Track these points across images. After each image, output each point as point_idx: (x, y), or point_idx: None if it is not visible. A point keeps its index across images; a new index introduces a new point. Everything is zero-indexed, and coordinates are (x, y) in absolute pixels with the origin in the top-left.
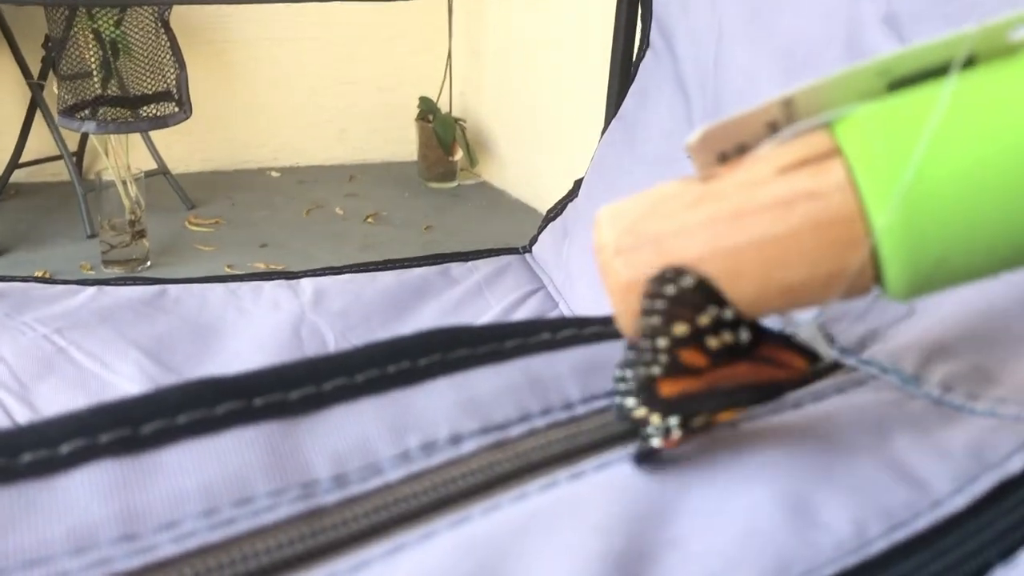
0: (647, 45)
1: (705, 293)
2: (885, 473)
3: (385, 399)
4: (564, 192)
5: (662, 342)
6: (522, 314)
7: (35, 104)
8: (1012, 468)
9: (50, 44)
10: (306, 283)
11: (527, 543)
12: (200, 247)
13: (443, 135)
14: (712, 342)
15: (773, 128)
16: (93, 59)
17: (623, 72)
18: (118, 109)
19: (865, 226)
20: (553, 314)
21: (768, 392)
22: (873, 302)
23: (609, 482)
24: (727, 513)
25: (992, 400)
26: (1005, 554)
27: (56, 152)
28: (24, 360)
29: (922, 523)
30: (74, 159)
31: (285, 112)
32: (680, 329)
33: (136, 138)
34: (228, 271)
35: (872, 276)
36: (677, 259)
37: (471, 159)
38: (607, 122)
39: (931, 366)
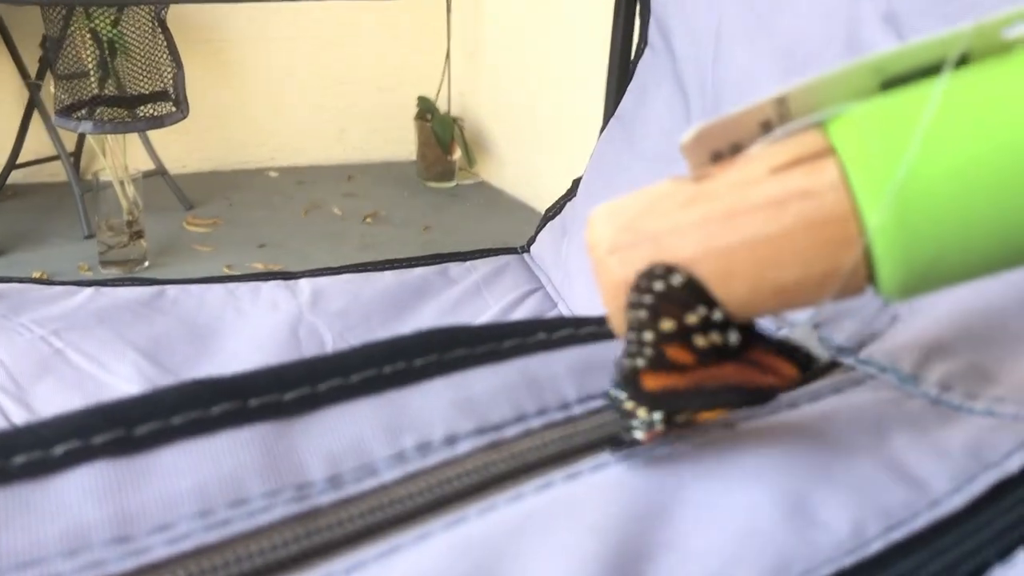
0: (645, 44)
1: (694, 293)
2: (883, 473)
3: (381, 400)
4: (563, 191)
5: (648, 336)
6: (521, 314)
7: (32, 104)
8: (1010, 467)
9: (47, 44)
10: (304, 283)
11: (523, 544)
12: (198, 247)
13: (441, 135)
14: (699, 341)
15: (767, 127)
16: (90, 59)
17: (622, 71)
18: (115, 109)
19: (858, 225)
20: (552, 314)
21: (754, 396)
22: (871, 302)
23: (605, 482)
24: (725, 512)
25: (990, 399)
26: (1003, 554)
27: (53, 152)
28: (21, 361)
29: (920, 523)
30: (72, 159)
31: (283, 112)
32: (667, 325)
33: (134, 138)
34: (226, 271)
35: (866, 276)
36: (670, 258)
37: (469, 159)
38: (605, 121)
39: (929, 365)
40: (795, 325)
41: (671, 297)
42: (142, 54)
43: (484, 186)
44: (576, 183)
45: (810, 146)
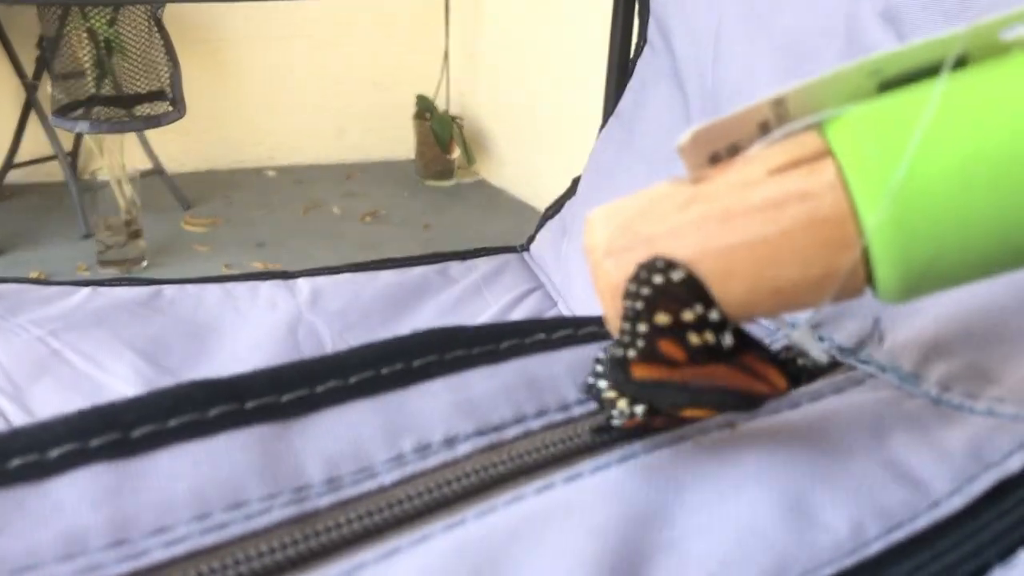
0: (644, 42)
1: (693, 290)
2: (883, 473)
3: (379, 401)
4: (562, 190)
5: (642, 327)
6: (520, 313)
7: (29, 104)
8: (1011, 468)
9: (44, 44)
10: (303, 283)
11: (522, 546)
12: (197, 247)
13: (440, 133)
14: (693, 339)
15: (765, 128)
16: (87, 58)
17: (621, 69)
18: (112, 109)
19: (857, 227)
20: (551, 313)
21: (743, 401)
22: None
23: (605, 484)
24: (724, 514)
25: (990, 399)
26: (1004, 555)
27: (51, 152)
28: (18, 362)
29: (920, 524)
30: (69, 159)
31: (281, 111)
32: (662, 319)
33: (131, 137)
34: (225, 271)
35: (864, 277)
36: None
37: (468, 157)
38: (605, 119)
39: (929, 365)
40: (794, 326)
41: (669, 292)
42: (139, 54)
43: (483, 185)
44: (576, 182)
45: (808, 147)
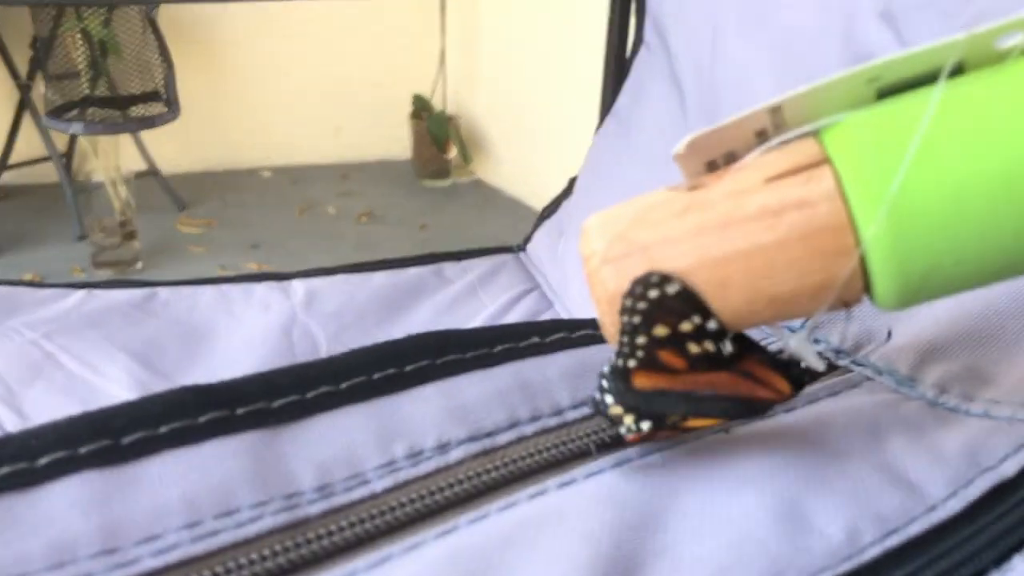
0: (641, 41)
1: (689, 302)
2: (879, 477)
3: (371, 406)
4: (560, 189)
5: (641, 339)
6: (516, 314)
7: (23, 105)
8: (1006, 471)
9: (38, 44)
10: (297, 284)
11: (515, 553)
12: (192, 248)
13: (437, 133)
14: (692, 348)
15: (762, 136)
16: (81, 59)
17: (617, 68)
18: (106, 110)
19: (854, 235)
20: (547, 314)
21: (745, 407)
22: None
23: (599, 490)
24: (718, 520)
25: (986, 402)
26: (999, 560)
27: (45, 153)
28: (12, 365)
29: (916, 528)
30: (63, 160)
31: (277, 111)
32: (660, 331)
33: (126, 138)
34: (221, 272)
35: (861, 286)
36: (664, 268)
37: (465, 156)
38: (601, 119)
39: (926, 367)
40: (791, 333)
41: (665, 305)
42: (133, 54)
43: (480, 184)
44: (572, 182)
45: (805, 155)
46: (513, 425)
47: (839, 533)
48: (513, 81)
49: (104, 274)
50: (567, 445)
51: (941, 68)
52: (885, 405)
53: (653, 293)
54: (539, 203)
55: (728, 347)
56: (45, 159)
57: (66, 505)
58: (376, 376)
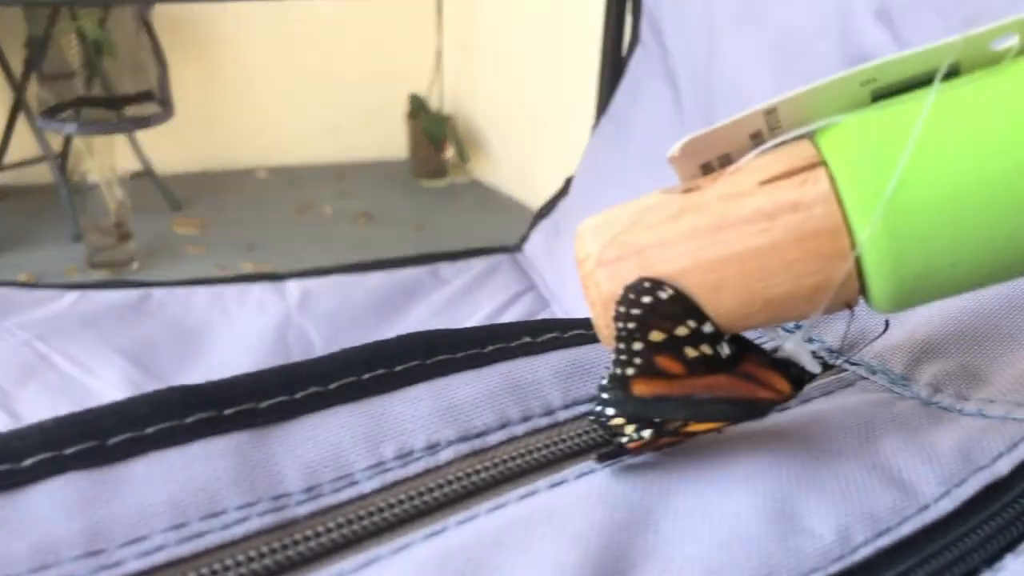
0: (637, 40)
1: (683, 306)
2: (872, 477)
3: (360, 407)
4: (557, 189)
5: (637, 346)
6: (513, 314)
7: (18, 106)
8: (1000, 470)
9: (32, 44)
10: (292, 285)
11: (503, 554)
12: (187, 249)
13: (434, 132)
14: (690, 352)
15: (757, 138)
16: (76, 59)
17: (613, 68)
18: (100, 110)
19: (850, 238)
20: (544, 314)
21: (746, 410)
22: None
23: (589, 490)
24: (709, 520)
25: (980, 401)
26: (991, 560)
27: (40, 154)
28: (5, 366)
29: (908, 528)
30: (58, 161)
31: (273, 111)
32: (656, 336)
33: (121, 139)
34: (217, 273)
35: (857, 289)
36: (659, 271)
37: (462, 156)
38: (597, 118)
39: (920, 366)
40: (787, 335)
41: (659, 311)
42: (127, 54)
43: (478, 184)
44: (568, 182)
45: (800, 158)
46: (504, 425)
47: (830, 533)
48: (510, 80)
49: (99, 275)
50: (558, 445)
51: (936, 70)
52: (878, 404)
53: (646, 299)
54: (537, 203)
55: (726, 349)
56: (40, 160)
57: (51, 507)
58: (365, 376)
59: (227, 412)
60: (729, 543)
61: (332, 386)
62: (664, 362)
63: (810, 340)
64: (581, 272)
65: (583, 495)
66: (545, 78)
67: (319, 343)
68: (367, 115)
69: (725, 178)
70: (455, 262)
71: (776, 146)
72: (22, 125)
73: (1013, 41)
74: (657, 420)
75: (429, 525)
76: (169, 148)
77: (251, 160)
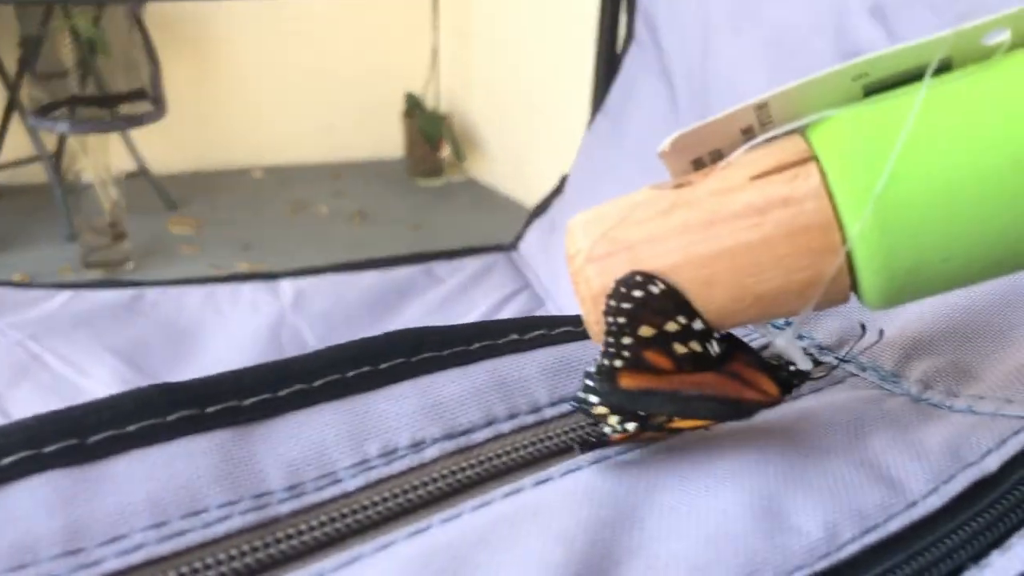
0: (632, 37)
1: (674, 302)
2: (860, 474)
3: (344, 405)
4: (552, 187)
5: (626, 340)
6: (507, 313)
7: (12, 105)
8: (988, 467)
9: (26, 43)
10: (286, 284)
11: (487, 552)
12: (183, 249)
13: (430, 131)
14: (679, 348)
15: (748, 133)
16: (70, 58)
17: (607, 65)
18: (92, 109)
19: (841, 233)
20: (539, 313)
21: (732, 409)
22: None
23: (575, 487)
24: (695, 517)
25: (970, 397)
26: (977, 557)
27: (34, 153)
28: None
29: (896, 525)
30: (53, 160)
31: (268, 110)
32: (646, 331)
33: (116, 138)
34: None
35: (848, 284)
36: (649, 267)
37: (459, 155)
38: (592, 116)
39: (911, 363)
40: (777, 332)
41: (650, 305)
42: (120, 53)
43: (474, 183)
44: (564, 179)
45: (791, 153)
46: (490, 423)
47: (817, 530)
48: (507, 79)
49: (94, 275)
50: (545, 443)
51: (928, 65)
52: (868, 401)
53: (637, 293)
54: (533, 202)
55: (715, 347)
56: (34, 160)
57: (30, 505)
58: (350, 374)
59: (210, 410)
60: (715, 540)
61: (316, 384)
62: (653, 357)
63: (800, 337)
64: (571, 268)
65: (569, 492)
66: (542, 76)
67: (313, 343)
68: (363, 114)
69: (716, 173)
70: (450, 261)
71: (767, 141)
72: (16, 125)
73: (1005, 36)
74: (642, 414)
75: (413, 523)
76: (164, 148)
77: (246, 159)
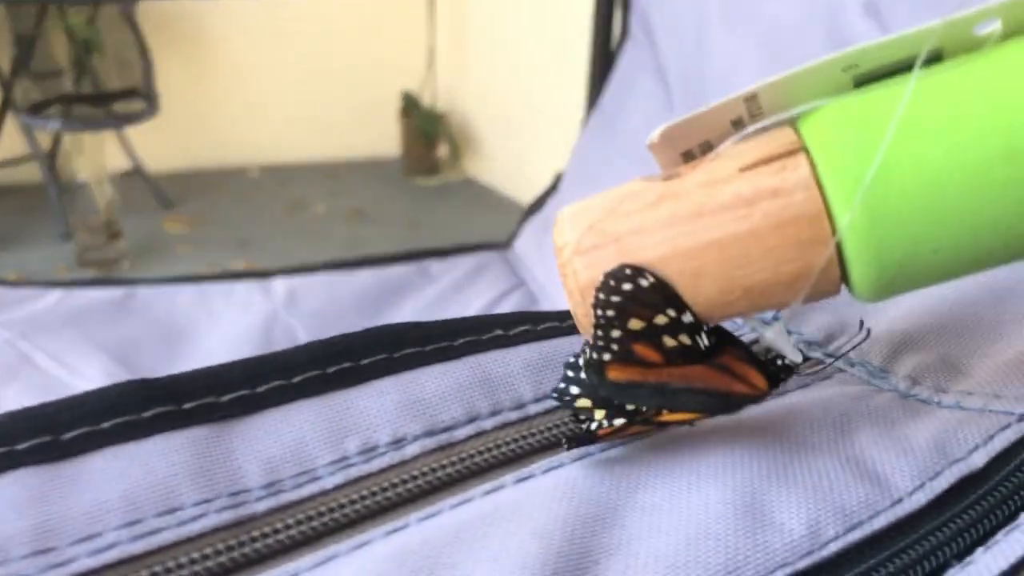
0: (627, 35)
1: (664, 295)
2: (845, 470)
3: (324, 401)
4: (547, 185)
5: (615, 333)
6: (501, 311)
7: (7, 103)
8: (975, 463)
9: (20, 42)
10: (279, 283)
11: (463, 551)
12: (178, 248)
13: (427, 130)
14: (668, 341)
15: (738, 125)
16: (65, 57)
17: (602, 62)
18: (83, 107)
19: (830, 224)
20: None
21: (720, 403)
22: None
23: (556, 484)
24: (677, 515)
25: (959, 393)
26: (961, 554)
27: (28, 152)
28: None
29: (881, 522)
30: (48, 159)
31: (264, 108)
32: (635, 324)
33: (111, 136)
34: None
35: (838, 276)
36: (638, 259)
37: (456, 154)
38: (587, 113)
39: (899, 359)
40: (765, 324)
41: (639, 299)
42: (113, 51)
43: (471, 182)
44: (559, 178)
45: (781, 144)
46: (472, 419)
47: (800, 528)
48: (504, 77)
49: (90, 274)
50: (528, 439)
51: (918, 55)
52: (856, 397)
53: (626, 287)
54: (531, 201)
55: (705, 340)
56: (29, 158)
57: (1, 504)
58: (331, 370)
59: (187, 406)
60: (696, 538)
61: (296, 380)
62: (642, 350)
63: (788, 333)
64: (559, 260)
65: (549, 490)
66: (540, 75)
67: (305, 341)
68: (359, 113)
69: (704, 165)
70: (444, 259)
71: (757, 132)
72: (11, 124)
73: (995, 26)
74: (629, 408)
75: (391, 521)
76: (159, 146)
77: (242, 158)
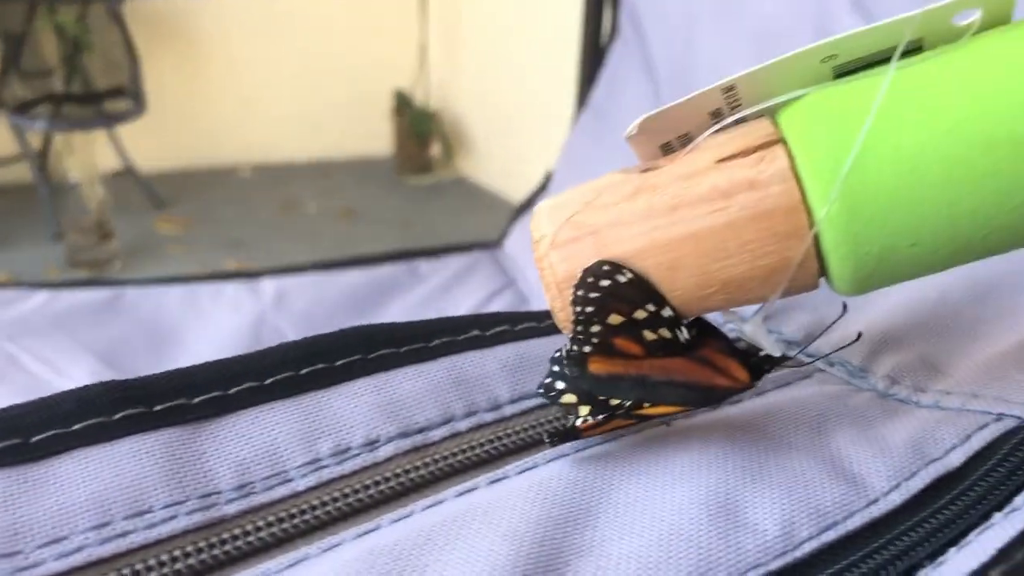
0: (616, 32)
1: (642, 290)
2: (821, 470)
3: (297, 403)
4: (537, 184)
5: (595, 328)
6: (490, 311)
7: None
8: (951, 462)
9: (8, 40)
10: (267, 283)
11: (433, 553)
12: (170, 248)
13: (419, 129)
14: (648, 335)
15: (717, 117)
16: (54, 55)
17: (592, 59)
18: (71, 106)
19: (808, 217)
20: (523, 310)
21: (701, 396)
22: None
23: (530, 485)
24: (650, 515)
25: (937, 392)
26: (934, 555)
27: (18, 152)
28: None
29: (856, 522)
30: (38, 159)
31: (256, 108)
32: (615, 319)
33: (101, 136)
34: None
35: (817, 269)
36: (615, 252)
37: (448, 153)
38: (577, 112)
39: (879, 358)
40: (744, 319)
41: (618, 294)
42: (101, 50)
43: (464, 181)
44: (548, 176)
45: (758, 135)
46: (447, 421)
47: (774, 528)
48: (497, 76)
49: (81, 275)
50: (503, 441)
51: (896, 47)
52: (834, 397)
53: (604, 283)
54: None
55: (685, 333)
56: (19, 158)
57: None
58: (304, 371)
59: (158, 408)
60: (668, 538)
61: (268, 381)
62: (622, 343)
63: (768, 332)
64: (536, 253)
65: (523, 491)
66: (532, 73)
67: None
68: (351, 111)
69: (682, 157)
70: (434, 259)
71: (735, 124)
72: (1, 124)
73: (975, 16)
74: (613, 403)
75: (362, 523)
76: (151, 146)
77: (234, 157)
